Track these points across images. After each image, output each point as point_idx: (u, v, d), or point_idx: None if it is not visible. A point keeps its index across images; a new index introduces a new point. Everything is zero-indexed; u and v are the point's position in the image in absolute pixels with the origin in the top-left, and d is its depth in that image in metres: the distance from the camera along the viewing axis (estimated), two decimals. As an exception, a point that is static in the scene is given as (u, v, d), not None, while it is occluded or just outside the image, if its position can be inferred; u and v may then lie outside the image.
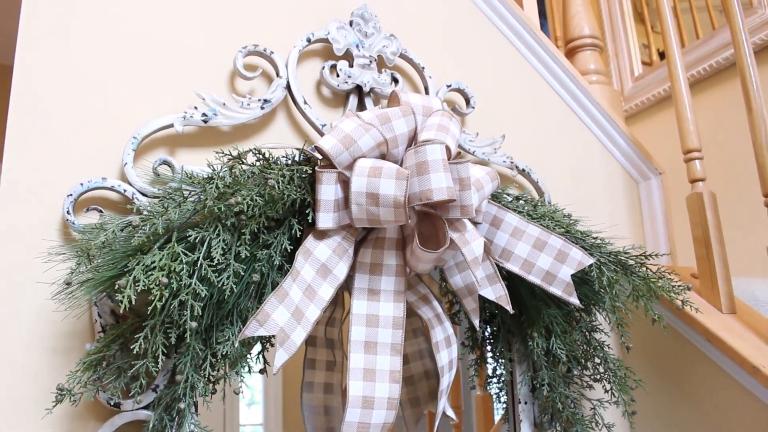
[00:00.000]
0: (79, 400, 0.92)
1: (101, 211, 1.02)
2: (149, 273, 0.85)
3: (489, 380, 1.27)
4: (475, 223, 1.12)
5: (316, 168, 0.98)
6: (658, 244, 1.55)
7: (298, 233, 0.98)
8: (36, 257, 0.98)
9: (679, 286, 1.22)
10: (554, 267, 1.11)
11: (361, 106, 1.23)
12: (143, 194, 1.03)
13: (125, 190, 1.03)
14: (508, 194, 1.21)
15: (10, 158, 1.02)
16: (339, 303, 1.20)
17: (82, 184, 1.01)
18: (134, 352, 0.88)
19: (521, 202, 1.21)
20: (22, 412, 0.95)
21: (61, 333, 0.99)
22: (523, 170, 1.36)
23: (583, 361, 1.24)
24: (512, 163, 1.35)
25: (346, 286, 1.06)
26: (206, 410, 0.96)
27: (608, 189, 1.55)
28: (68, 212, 1.00)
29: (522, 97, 1.48)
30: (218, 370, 0.95)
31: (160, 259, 0.86)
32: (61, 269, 0.97)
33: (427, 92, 1.30)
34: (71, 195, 1.01)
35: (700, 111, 2.07)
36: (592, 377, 1.24)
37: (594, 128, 1.55)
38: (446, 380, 1.09)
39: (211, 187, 0.92)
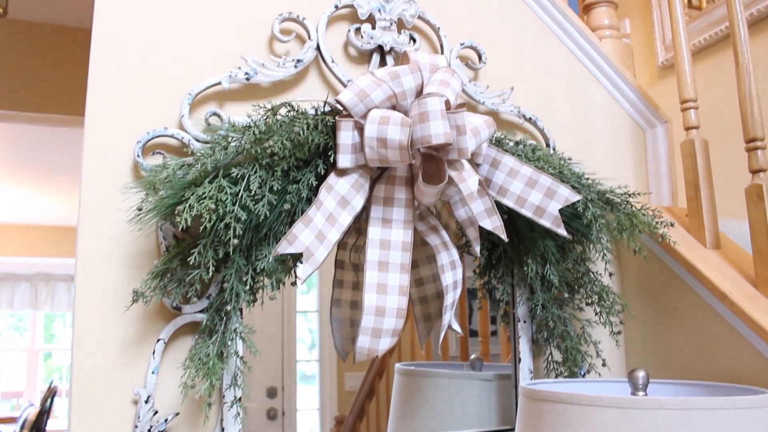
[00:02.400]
0: (149, 301, 1.17)
1: (164, 155, 1.25)
2: (201, 201, 1.08)
3: (493, 303, 1.47)
4: (477, 165, 1.31)
5: (336, 117, 1.19)
6: (660, 188, 1.71)
7: (323, 171, 1.20)
8: (115, 190, 1.22)
9: (661, 222, 1.39)
10: (544, 202, 1.29)
11: (383, 64, 1.42)
12: (197, 140, 1.25)
13: (182, 137, 1.25)
14: (510, 139, 1.39)
15: (91, 113, 1.25)
16: (363, 232, 1.41)
17: (148, 133, 1.24)
18: (191, 264, 1.12)
19: (521, 146, 1.38)
20: (107, 313, 1.20)
21: (134, 252, 1.24)
22: (530, 119, 1.53)
23: (575, 287, 1.43)
24: (519, 112, 1.52)
25: (367, 218, 1.27)
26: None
27: (615, 136, 1.70)
28: (138, 155, 1.23)
29: (532, 51, 1.64)
30: (257, 282, 1.18)
31: (210, 191, 1.09)
32: (134, 200, 1.20)
33: (442, 50, 1.48)
34: (140, 141, 1.23)
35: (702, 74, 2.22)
36: (584, 301, 1.43)
37: (602, 79, 1.69)
38: (451, 297, 1.30)
39: (249, 134, 1.14)
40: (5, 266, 6.75)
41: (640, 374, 1.16)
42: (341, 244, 1.39)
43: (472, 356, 1.63)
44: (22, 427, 5.44)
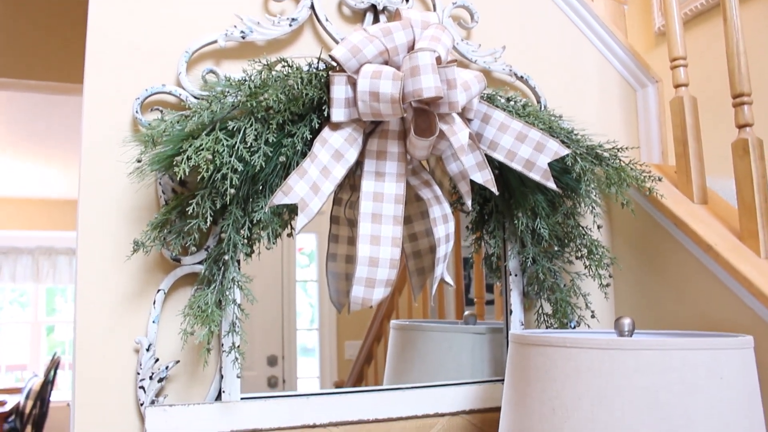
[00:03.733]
0: (150, 251, 1.21)
1: (162, 111, 1.28)
2: (198, 152, 1.11)
3: (485, 257, 1.51)
4: (468, 120, 1.33)
5: (330, 72, 1.21)
6: (651, 147, 1.74)
7: (317, 126, 1.22)
8: (114, 146, 1.25)
9: (649, 176, 1.42)
10: (533, 156, 1.32)
11: (376, 22, 1.44)
12: (194, 97, 1.28)
13: (180, 94, 1.28)
14: (501, 96, 1.42)
15: (90, 72, 1.28)
16: (357, 189, 1.44)
17: (146, 90, 1.27)
18: (189, 214, 1.15)
19: (512, 102, 1.41)
20: (109, 265, 1.24)
21: (134, 206, 1.27)
22: (522, 77, 1.55)
23: (565, 240, 1.46)
24: (511, 70, 1.54)
25: (360, 173, 1.30)
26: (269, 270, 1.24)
27: (605, 96, 1.73)
28: (137, 111, 1.26)
29: (524, 10, 1.66)
30: (254, 233, 1.21)
31: (207, 143, 1.12)
32: (133, 155, 1.23)
33: (434, 9, 1.50)
34: (138, 98, 1.26)
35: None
36: (573, 254, 1.47)
37: (594, 39, 1.72)
38: (443, 250, 1.33)
39: (245, 88, 1.16)
40: (6, 240, 6.79)
41: (626, 321, 1.20)
42: (336, 200, 1.43)
43: (466, 313, 1.68)
44: (27, 397, 5.52)
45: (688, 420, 1.03)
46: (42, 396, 5.51)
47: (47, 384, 5.54)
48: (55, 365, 5.66)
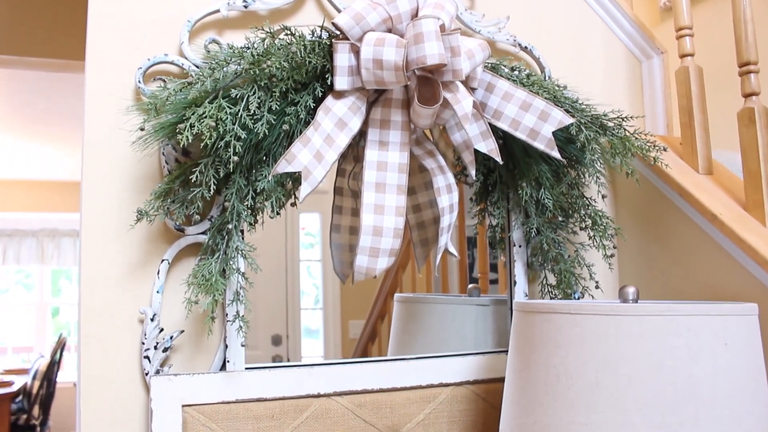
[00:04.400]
0: (153, 220, 1.21)
1: (165, 80, 1.27)
2: (201, 120, 1.10)
3: (489, 228, 1.50)
4: (472, 89, 1.33)
5: (333, 40, 1.20)
6: (656, 119, 1.72)
7: (320, 94, 1.22)
8: (117, 116, 1.25)
9: (653, 145, 1.41)
10: (538, 125, 1.31)
11: (379, -8, 1.42)
12: (197, 67, 1.27)
13: (182, 64, 1.27)
14: (505, 65, 1.41)
15: (92, 43, 1.27)
16: (361, 160, 1.44)
17: (149, 59, 1.26)
18: (192, 182, 1.15)
19: (516, 72, 1.40)
20: (113, 236, 1.24)
21: (138, 177, 1.27)
22: (526, 47, 1.54)
23: (569, 211, 1.46)
24: (515, 41, 1.53)
25: (364, 143, 1.29)
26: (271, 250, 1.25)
27: (610, 67, 1.72)
28: (139, 81, 1.25)
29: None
30: (258, 203, 1.21)
31: (210, 110, 1.11)
32: (137, 124, 1.23)
33: (438, -21, 1.48)
34: (141, 68, 1.25)
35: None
36: (577, 225, 1.46)
37: (599, 10, 1.70)
38: (447, 220, 1.33)
39: (248, 55, 1.16)
40: (11, 222, 6.80)
41: (630, 289, 1.20)
42: (340, 171, 1.42)
43: (470, 286, 1.67)
44: (34, 378, 5.56)
45: (692, 385, 1.03)
46: (48, 377, 5.54)
47: (53, 365, 5.57)
48: (61, 346, 5.69)
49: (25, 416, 5.41)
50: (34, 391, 5.46)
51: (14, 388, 5.26)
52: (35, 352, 6.96)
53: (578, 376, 1.06)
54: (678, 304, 1.06)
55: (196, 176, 1.14)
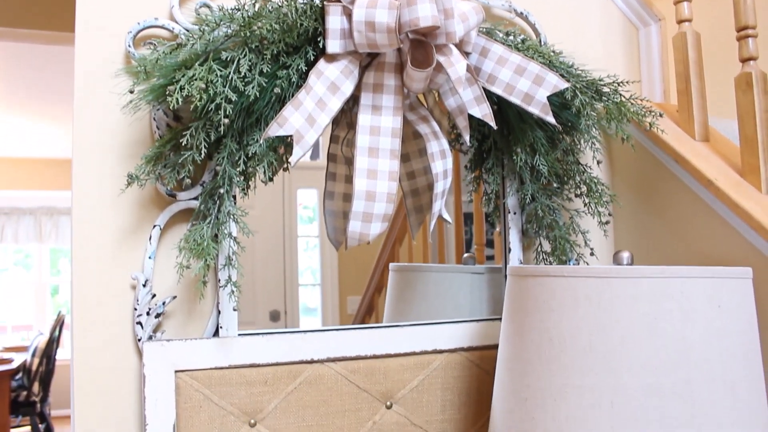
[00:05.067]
0: (144, 184, 1.20)
1: (155, 44, 1.26)
2: (191, 82, 1.09)
3: (484, 195, 1.50)
4: (466, 53, 1.31)
5: (325, 2, 1.19)
6: (653, 86, 1.71)
7: (312, 58, 1.20)
8: (107, 80, 1.24)
9: (649, 111, 1.40)
10: (532, 89, 1.30)
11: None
12: (187, 30, 1.25)
13: (173, 28, 1.25)
14: (500, 30, 1.39)
15: (82, 3, 1.25)
16: (354, 126, 1.43)
17: (139, 23, 1.24)
18: (183, 146, 1.14)
19: (511, 37, 1.39)
20: (104, 202, 1.23)
21: (128, 142, 1.25)
22: (521, 13, 1.52)
23: (564, 178, 1.45)
24: (510, 6, 1.51)
25: (357, 108, 1.28)
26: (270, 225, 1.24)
27: (607, 34, 1.70)
28: (129, 45, 1.23)
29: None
30: (249, 167, 1.20)
31: (200, 73, 1.10)
32: (126, 87, 1.22)
33: (432, -58, 1.46)
34: (131, 32, 1.24)
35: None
36: (573, 192, 1.45)
37: (595, -24, 1.68)
38: (441, 186, 1.32)
39: (239, 17, 1.14)
40: (8, 200, 6.79)
41: (625, 254, 1.20)
42: (333, 138, 1.41)
43: (465, 255, 1.67)
44: (33, 355, 5.57)
45: (686, 347, 1.02)
46: (48, 354, 5.56)
47: (52, 342, 5.58)
48: (59, 323, 5.70)
49: (25, 393, 5.43)
50: (34, 368, 5.48)
51: (14, 365, 5.27)
52: (35, 331, 6.98)
53: (572, 339, 1.06)
54: (672, 267, 1.05)
55: (187, 139, 1.13)
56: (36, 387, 5.53)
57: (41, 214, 6.93)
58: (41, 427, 5.67)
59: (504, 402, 1.14)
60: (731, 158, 1.44)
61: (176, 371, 1.20)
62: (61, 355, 6.30)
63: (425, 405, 1.34)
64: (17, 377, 5.69)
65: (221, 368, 1.22)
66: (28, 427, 5.98)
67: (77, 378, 1.21)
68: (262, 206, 1.45)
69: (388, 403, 1.32)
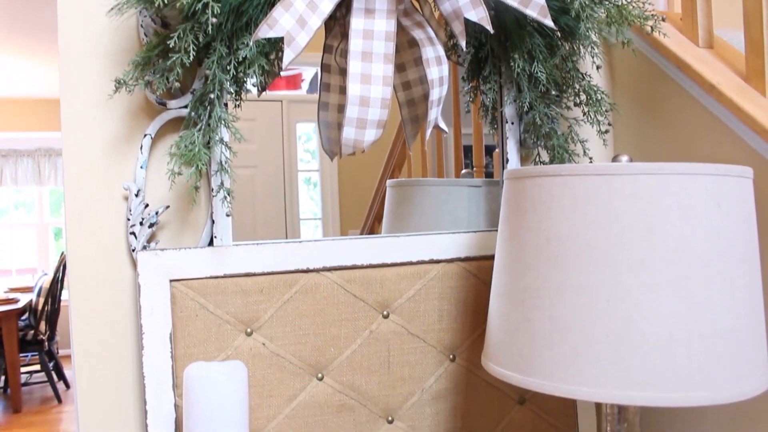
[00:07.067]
0: (132, 90, 1.17)
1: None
2: (176, -21, 1.05)
3: (481, 107, 1.47)
4: (462, -47, 1.26)
5: None
6: (657, -6, 1.66)
7: (302, -43, 1.16)
8: (89, -16, 1.20)
9: (651, 14, 1.36)
10: (530, -10, 1.25)
11: None
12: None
13: (158, -70, 1.21)
14: (497, -69, 1.34)
15: None
16: (348, 35, 1.39)
17: (122, -75, 1.20)
18: (171, 48, 1.11)
19: (509, -62, 1.33)
20: (94, 112, 1.21)
21: (116, 50, 1.22)
22: None
23: (563, 86, 1.42)
24: None
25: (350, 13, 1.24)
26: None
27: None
28: (112, -52, 1.19)
29: None
30: (240, 73, 1.17)
31: (185, -30, 1.06)
32: (110, -7, 1.18)
33: None
34: (114, -65, 1.20)
35: None
36: (572, 100, 1.42)
37: None
38: (436, 93, 1.29)
39: None
40: (6, 142, 6.76)
41: (624, 157, 1.18)
42: (327, 47, 1.38)
43: (463, 171, 1.65)
44: (39, 295, 5.62)
45: (683, 244, 1.01)
46: (53, 293, 5.61)
47: (57, 282, 5.63)
48: (63, 263, 5.74)
49: (32, 332, 5.50)
50: (39, 307, 5.54)
51: (20, 305, 5.33)
52: (39, 273, 7.03)
53: (569, 238, 1.05)
54: (672, 164, 1.03)
55: (175, 41, 1.10)
56: (43, 326, 5.60)
57: (40, 155, 6.91)
58: (50, 365, 5.76)
59: (500, 305, 1.14)
60: (735, 65, 1.40)
61: (171, 280, 1.19)
62: (65, 295, 6.36)
63: (422, 314, 1.34)
64: (24, 318, 5.76)
65: (216, 277, 1.21)
66: (38, 366, 6.09)
67: (73, 289, 1.21)
68: (261, 141, 1.43)
69: (385, 313, 1.32)
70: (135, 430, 1.23)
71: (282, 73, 1.43)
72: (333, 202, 1.61)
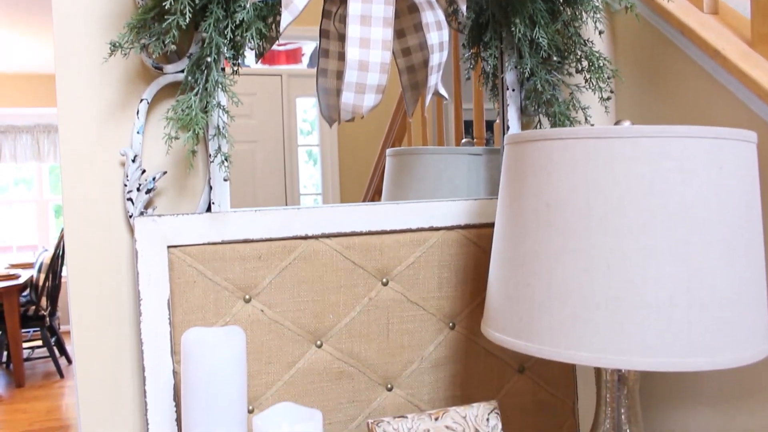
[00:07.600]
0: (128, 54, 1.16)
1: None
2: (171, -62, 1.03)
3: (482, 74, 1.45)
4: None
5: None
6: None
7: None
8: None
9: (655, -22, 1.34)
10: (532, -47, 1.23)
11: None
12: None
13: None
14: None
15: None
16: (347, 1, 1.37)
17: None
18: (166, 9, 1.09)
19: None
20: (89, 76, 1.19)
21: (109, 14, 1.20)
22: None
23: (565, 53, 1.40)
24: None
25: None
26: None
27: None
28: None
29: None
30: (237, 36, 1.15)
31: (179, -71, 1.04)
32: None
33: None
34: None
35: None
36: (573, 66, 1.40)
37: None
38: (436, 58, 1.27)
39: None
40: (4, 118, 6.72)
41: (626, 122, 1.16)
42: (325, 13, 1.36)
43: (464, 140, 1.63)
44: (39, 271, 5.63)
45: (684, 208, 1.00)
46: (53, 269, 5.62)
47: (57, 258, 5.63)
48: (63, 239, 5.74)
49: (33, 307, 5.52)
50: (40, 283, 5.55)
51: (21, 280, 5.34)
52: (39, 250, 7.03)
53: (569, 202, 1.04)
54: (673, 126, 1.02)
55: (170, 3, 1.08)
56: (44, 301, 5.61)
57: (39, 131, 6.88)
58: (52, 340, 5.78)
59: (500, 271, 1.13)
60: (740, 30, 1.39)
61: (169, 246, 1.19)
62: (66, 272, 6.36)
63: (422, 282, 1.34)
64: (25, 293, 5.78)
65: (214, 243, 1.21)
66: (40, 341, 6.11)
67: (70, 257, 1.20)
68: (261, 115, 1.41)
69: (384, 280, 1.31)
70: (134, 396, 1.23)
71: (282, 47, 1.42)
72: (333, 177, 1.60)
